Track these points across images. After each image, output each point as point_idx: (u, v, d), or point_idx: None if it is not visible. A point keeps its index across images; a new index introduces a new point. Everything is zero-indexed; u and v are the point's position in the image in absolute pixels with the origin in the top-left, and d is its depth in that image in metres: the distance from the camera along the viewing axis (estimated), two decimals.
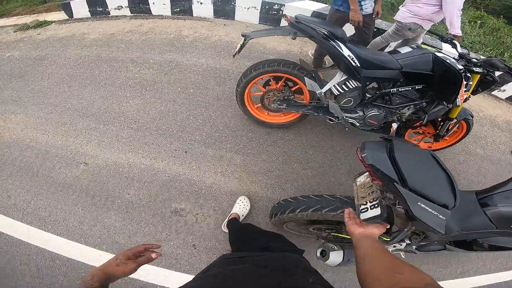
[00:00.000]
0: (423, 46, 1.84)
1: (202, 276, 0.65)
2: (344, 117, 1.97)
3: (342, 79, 1.80)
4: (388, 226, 0.88)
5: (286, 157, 2.27)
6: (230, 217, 1.76)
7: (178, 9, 3.32)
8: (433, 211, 0.89)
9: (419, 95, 1.94)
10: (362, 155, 1.01)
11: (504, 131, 2.92)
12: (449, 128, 2.09)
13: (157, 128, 2.31)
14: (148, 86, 2.57)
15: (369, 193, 1.08)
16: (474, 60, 1.67)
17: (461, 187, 2.48)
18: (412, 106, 1.95)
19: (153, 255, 0.65)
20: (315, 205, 1.41)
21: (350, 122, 2.04)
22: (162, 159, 2.15)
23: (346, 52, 1.63)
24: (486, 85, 1.76)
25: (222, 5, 3.22)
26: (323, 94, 1.87)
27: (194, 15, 3.36)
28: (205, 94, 2.53)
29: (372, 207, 1.01)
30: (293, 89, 2.04)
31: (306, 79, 1.84)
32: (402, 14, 2.31)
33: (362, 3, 2.11)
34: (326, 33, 1.59)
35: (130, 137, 2.26)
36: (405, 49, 1.78)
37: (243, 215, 1.83)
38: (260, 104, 2.18)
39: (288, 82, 2.04)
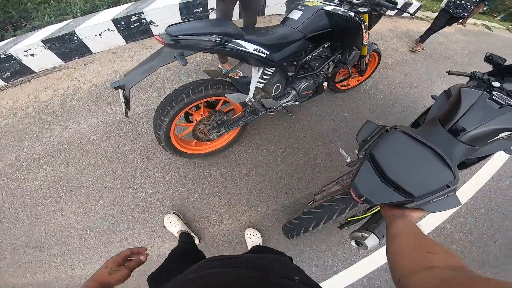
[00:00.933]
0: (308, 3, 1.75)
1: (181, 278, 0.59)
2: (282, 105, 1.97)
3: (259, 72, 1.66)
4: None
5: (256, 170, 2.15)
6: None
7: (9, 73, 2.40)
8: (443, 197, 0.91)
9: (332, 50, 1.99)
10: (362, 199, 0.94)
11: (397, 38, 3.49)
12: (366, 62, 2.34)
13: (116, 223, 1.84)
14: (63, 187, 1.92)
15: None
16: (356, 1, 1.72)
17: (397, 89, 3.02)
18: (331, 62, 2.03)
19: (142, 257, 0.64)
20: (323, 217, 1.43)
21: (290, 105, 2.06)
22: (149, 245, 1.79)
23: (250, 47, 1.43)
24: (376, 18, 1.94)
25: (64, 45, 2.44)
26: (252, 98, 1.71)
27: (36, 71, 2.48)
28: (131, 161, 2.04)
29: None
30: (218, 108, 1.80)
31: (228, 96, 1.63)
32: None
33: None
34: (218, 38, 1.31)
35: (97, 246, 1.79)
36: (296, 14, 1.69)
37: (260, 244, 1.78)
38: (195, 141, 1.91)
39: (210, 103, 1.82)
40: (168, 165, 2.04)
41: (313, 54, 1.82)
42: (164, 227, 1.78)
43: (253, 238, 1.76)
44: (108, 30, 2.54)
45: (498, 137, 1.18)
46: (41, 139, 2.08)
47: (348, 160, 1.70)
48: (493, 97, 1.22)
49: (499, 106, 1.19)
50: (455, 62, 4.22)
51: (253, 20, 2.27)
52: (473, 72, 1.56)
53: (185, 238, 1.56)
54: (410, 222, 0.66)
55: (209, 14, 2.93)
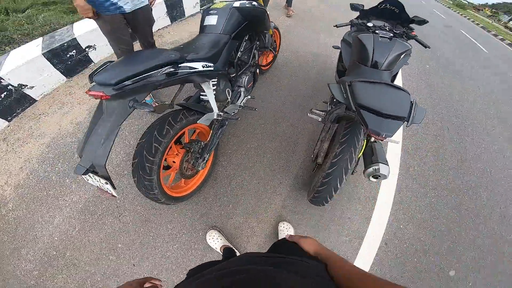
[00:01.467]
0: (216, 5, 1.83)
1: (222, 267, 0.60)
2: (242, 104, 2.16)
3: (210, 86, 1.68)
4: None
5: (249, 172, 2.19)
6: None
7: None
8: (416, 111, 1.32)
9: (251, 40, 2.17)
10: (383, 136, 1.23)
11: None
12: (274, 39, 2.75)
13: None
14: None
15: None
16: None
17: (300, 51, 3.72)
18: (255, 51, 2.23)
19: (157, 282, 0.69)
20: (341, 171, 1.57)
21: (246, 102, 2.26)
22: None
23: (199, 66, 1.43)
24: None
25: None
26: (219, 112, 1.74)
27: None
28: (134, 231, 1.77)
29: None
30: (187, 140, 1.74)
31: (200, 121, 1.58)
32: None
33: None
34: (171, 69, 1.23)
35: None
36: (213, 19, 1.75)
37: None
38: (183, 180, 1.84)
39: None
40: (171, 214, 1.87)
41: (241, 50, 1.97)
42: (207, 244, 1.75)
43: (285, 231, 1.81)
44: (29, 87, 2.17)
45: (399, 59, 1.73)
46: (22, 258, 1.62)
47: (320, 119, 1.96)
48: (380, 36, 1.76)
49: (388, 39, 1.74)
50: (322, 19, 5.06)
51: (150, 40, 2.12)
52: (351, 20, 2.15)
53: (227, 253, 1.56)
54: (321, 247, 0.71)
55: (87, 53, 2.62)
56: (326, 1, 6.15)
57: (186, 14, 3.92)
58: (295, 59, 3.54)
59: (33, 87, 2.27)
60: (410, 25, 2.02)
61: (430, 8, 15.75)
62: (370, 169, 1.56)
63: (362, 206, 2.17)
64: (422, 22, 1.96)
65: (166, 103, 1.57)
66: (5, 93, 2.10)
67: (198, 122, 1.55)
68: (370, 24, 1.94)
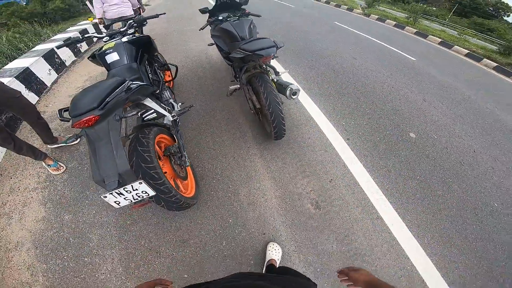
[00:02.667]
0: (108, 45, 1.94)
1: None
2: (180, 107, 2.31)
3: (152, 100, 1.84)
4: None
5: (217, 179, 2.27)
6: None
7: None
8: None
9: (151, 63, 2.41)
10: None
11: None
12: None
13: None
14: None
15: None
16: (128, 30, 2.19)
17: (192, 52, 4.10)
18: (159, 71, 2.50)
19: (168, 283, 0.73)
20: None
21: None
22: None
23: (146, 81, 1.75)
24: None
25: None
26: (172, 114, 1.95)
27: None
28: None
29: None
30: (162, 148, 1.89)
31: (165, 122, 1.85)
32: None
33: None
34: (126, 85, 1.39)
35: None
36: (114, 57, 1.88)
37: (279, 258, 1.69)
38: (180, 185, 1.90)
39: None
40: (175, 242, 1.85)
41: (149, 71, 2.18)
42: None
43: (273, 252, 1.67)
44: None
45: (252, 28, 2.55)
46: None
47: (238, 86, 2.53)
48: (232, 20, 2.53)
49: (238, 19, 2.54)
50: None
51: (34, 115, 2.21)
52: (207, 21, 2.86)
53: None
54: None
55: None
56: (169, 20, 6.62)
57: (48, 84, 3.55)
58: (190, 69, 3.88)
59: None
60: (242, 6, 2.87)
61: None
62: (288, 91, 2.13)
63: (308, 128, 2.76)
64: (245, 2, 2.93)
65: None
66: None
67: (164, 123, 1.79)
68: (220, 18, 2.66)
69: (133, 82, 1.47)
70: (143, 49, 2.11)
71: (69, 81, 3.77)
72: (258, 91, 2.13)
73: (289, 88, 2.10)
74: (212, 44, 3.03)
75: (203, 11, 2.89)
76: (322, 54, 4.99)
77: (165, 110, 1.85)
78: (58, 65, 3.95)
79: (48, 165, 2.28)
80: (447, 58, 7.13)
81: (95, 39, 2.26)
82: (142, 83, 1.55)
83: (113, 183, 1.13)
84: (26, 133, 2.73)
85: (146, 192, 1.21)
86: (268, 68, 2.36)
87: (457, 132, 3.11)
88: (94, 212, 2.01)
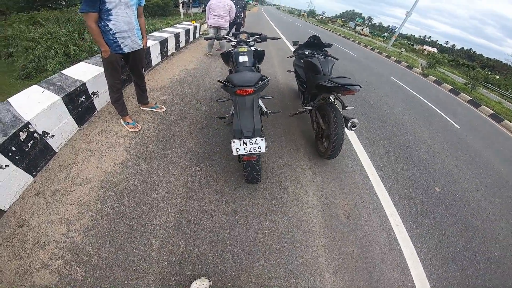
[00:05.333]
0: (242, 49, 2.70)
1: None
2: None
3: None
4: None
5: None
6: None
7: None
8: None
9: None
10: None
11: None
12: None
13: None
14: None
15: None
16: (252, 41, 2.97)
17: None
18: None
19: None
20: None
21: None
22: None
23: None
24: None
25: None
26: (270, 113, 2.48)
27: None
28: None
29: None
30: None
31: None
32: None
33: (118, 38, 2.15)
34: (266, 81, 1.97)
35: None
36: (244, 58, 2.57)
37: None
38: None
39: None
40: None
41: None
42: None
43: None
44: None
45: (332, 67, 2.99)
46: None
47: (306, 111, 3.05)
48: (320, 57, 3.01)
49: (323, 58, 2.97)
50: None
51: (142, 74, 2.72)
52: (294, 52, 3.56)
53: None
54: None
55: (92, 99, 2.76)
56: None
57: (153, 64, 4.40)
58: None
59: (54, 135, 2.18)
60: (325, 48, 3.39)
61: (307, 29, 19.76)
62: (350, 122, 2.52)
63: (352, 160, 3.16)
64: (329, 45, 3.43)
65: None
66: (31, 141, 1.91)
67: (268, 116, 2.46)
68: (306, 52, 3.20)
69: (268, 79, 1.98)
70: (258, 59, 2.74)
71: (168, 68, 4.61)
72: (328, 117, 2.56)
73: (351, 121, 2.49)
74: (291, 72, 3.69)
75: (294, 43, 3.61)
76: (372, 104, 5.41)
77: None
78: (164, 52, 4.83)
79: (127, 122, 2.70)
80: (493, 131, 7.00)
81: (226, 41, 3.13)
82: (268, 81, 2.02)
83: (249, 132, 1.70)
84: (128, 94, 3.36)
85: (260, 148, 1.75)
86: (336, 102, 2.81)
87: (478, 196, 3.26)
88: (170, 168, 2.32)
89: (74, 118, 2.43)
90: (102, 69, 2.67)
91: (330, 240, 2.08)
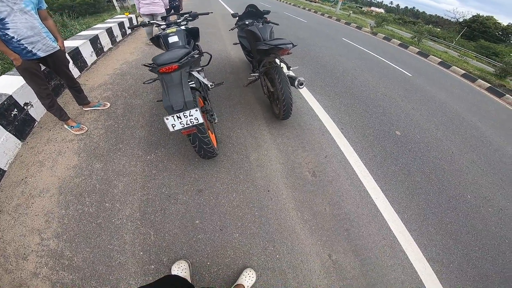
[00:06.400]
0: (171, 30, 2.47)
1: None
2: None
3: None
4: None
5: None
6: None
7: None
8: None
9: (194, 49, 2.82)
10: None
11: None
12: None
13: None
14: None
15: None
16: (181, 22, 2.73)
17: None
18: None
19: None
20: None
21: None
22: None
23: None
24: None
25: None
26: (211, 83, 2.28)
27: None
28: None
29: None
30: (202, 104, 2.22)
31: (211, 89, 2.37)
32: None
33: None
34: (196, 54, 1.91)
35: None
36: (175, 38, 2.38)
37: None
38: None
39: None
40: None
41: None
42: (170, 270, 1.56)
43: (247, 278, 1.54)
44: None
45: (272, 32, 2.97)
46: None
47: (255, 77, 2.86)
48: (257, 24, 2.99)
49: (262, 25, 2.93)
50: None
51: (71, 77, 2.53)
52: (236, 24, 3.46)
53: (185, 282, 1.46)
54: None
55: (27, 110, 2.51)
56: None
57: (88, 63, 3.98)
58: (213, 63, 4.25)
59: None
60: (264, 16, 3.33)
61: (257, 2, 19.40)
62: (296, 81, 2.51)
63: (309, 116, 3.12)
64: (267, 12, 3.38)
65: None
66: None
67: (210, 88, 2.21)
68: (247, 22, 3.18)
69: (195, 52, 1.90)
70: (193, 37, 2.59)
71: (107, 64, 4.20)
72: (273, 79, 2.52)
73: (297, 80, 2.47)
74: (237, 44, 3.57)
75: (234, 15, 3.45)
76: (326, 64, 5.42)
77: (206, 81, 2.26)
78: (98, 50, 4.39)
79: (71, 126, 2.55)
80: (443, 76, 7.48)
81: (155, 26, 2.85)
82: (199, 54, 1.98)
83: (179, 105, 1.59)
84: (68, 98, 3.06)
85: (197, 119, 1.65)
86: (282, 65, 2.75)
87: (438, 136, 3.44)
88: (124, 162, 2.24)
89: (13, 134, 2.29)
90: None
91: (299, 202, 2.05)
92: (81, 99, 2.79)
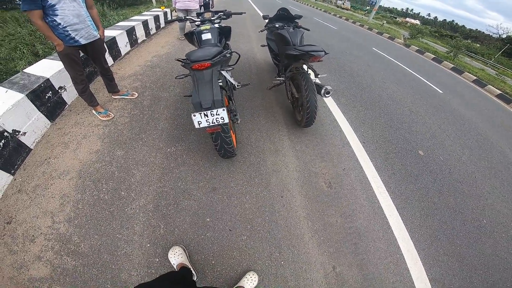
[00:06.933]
0: (205, 27, 2.56)
1: None
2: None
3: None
4: None
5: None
6: None
7: None
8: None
9: (225, 48, 2.92)
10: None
11: None
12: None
13: None
14: None
15: None
16: (215, 19, 2.80)
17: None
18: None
19: None
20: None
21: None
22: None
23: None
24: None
25: None
26: (238, 83, 2.27)
27: None
28: None
29: None
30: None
31: (237, 88, 2.24)
32: None
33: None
34: (227, 54, 1.94)
35: None
36: (208, 35, 2.47)
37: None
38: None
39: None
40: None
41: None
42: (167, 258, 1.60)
43: (249, 281, 1.54)
44: None
45: (303, 37, 2.90)
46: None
47: (280, 82, 2.90)
48: (287, 28, 2.95)
49: (292, 29, 2.92)
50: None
51: (104, 66, 2.63)
52: (265, 26, 3.33)
53: (184, 271, 1.44)
54: None
55: (61, 94, 2.67)
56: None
57: (122, 53, 4.18)
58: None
59: (25, 133, 2.14)
60: (295, 20, 3.28)
61: (287, 5, 19.42)
62: (323, 90, 2.45)
63: (331, 127, 3.08)
64: (299, 17, 3.33)
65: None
66: (3, 141, 1.89)
67: (236, 88, 2.20)
68: (277, 25, 3.10)
69: (227, 52, 1.94)
70: (225, 36, 2.65)
71: (139, 55, 4.39)
72: (299, 85, 2.49)
73: (324, 88, 2.43)
74: (264, 46, 3.59)
75: (264, 17, 3.43)
76: (353, 73, 5.32)
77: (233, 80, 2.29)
78: (133, 41, 4.60)
79: (98, 112, 2.65)
80: (476, 95, 7.01)
81: (189, 22, 2.94)
82: (230, 54, 2.01)
83: (208, 103, 1.62)
84: (99, 85, 3.22)
85: (223, 118, 1.68)
86: (309, 71, 2.72)
87: (463, 159, 3.25)
88: (145, 152, 2.29)
89: (44, 114, 2.41)
90: None
91: (312, 211, 2.03)
92: (112, 87, 2.93)
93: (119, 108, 2.88)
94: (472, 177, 2.95)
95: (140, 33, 4.94)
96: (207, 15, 2.82)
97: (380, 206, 2.21)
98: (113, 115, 2.72)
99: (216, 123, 1.70)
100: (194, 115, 1.66)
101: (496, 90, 7.83)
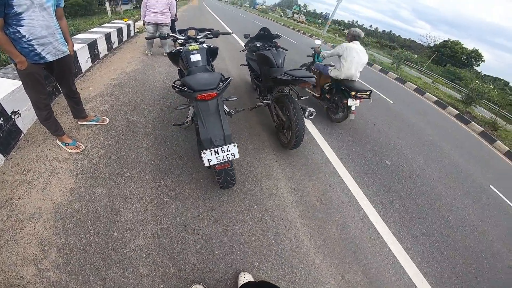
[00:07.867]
0: (193, 46, 2.47)
1: None
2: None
3: None
4: None
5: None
6: None
7: None
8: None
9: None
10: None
11: None
12: None
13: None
14: None
15: None
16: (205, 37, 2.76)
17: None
18: None
19: None
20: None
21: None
22: None
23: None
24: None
25: None
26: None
27: None
28: None
29: None
30: None
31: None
32: None
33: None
34: (228, 81, 1.91)
35: None
36: (197, 57, 2.40)
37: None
38: None
39: None
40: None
41: None
42: None
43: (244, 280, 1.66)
44: None
45: (284, 59, 3.08)
46: None
47: (264, 104, 3.14)
48: (272, 50, 3.09)
49: (275, 50, 3.06)
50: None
51: (72, 88, 2.34)
52: (245, 45, 3.53)
53: None
54: None
55: (14, 120, 2.30)
56: None
57: (83, 70, 3.90)
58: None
59: None
60: (274, 40, 3.44)
61: (250, 19, 20.09)
62: (306, 112, 2.67)
63: (312, 147, 3.35)
64: (278, 36, 3.52)
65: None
66: None
67: (232, 116, 2.37)
68: (258, 45, 3.23)
69: (229, 79, 1.89)
70: (212, 57, 2.61)
71: (102, 72, 4.11)
72: (287, 108, 2.66)
73: (308, 110, 2.64)
74: (244, 65, 3.71)
75: (245, 36, 3.57)
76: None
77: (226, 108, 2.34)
78: (94, 56, 4.29)
79: (65, 143, 2.34)
80: (419, 103, 8.29)
81: (176, 40, 2.71)
82: (228, 81, 1.93)
83: (219, 140, 1.60)
84: (60, 108, 2.88)
85: (233, 154, 1.67)
86: (291, 93, 2.92)
87: (421, 164, 3.87)
88: (131, 188, 2.12)
89: None
90: (18, 83, 2.26)
91: (312, 228, 2.22)
92: (79, 111, 2.59)
93: (90, 137, 2.60)
94: (431, 180, 3.53)
95: (102, 47, 4.65)
96: (191, 33, 2.67)
97: (366, 216, 2.52)
98: (84, 147, 2.44)
99: (226, 160, 1.68)
100: (204, 153, 1.60)
101: (433, 97, 9.27)
